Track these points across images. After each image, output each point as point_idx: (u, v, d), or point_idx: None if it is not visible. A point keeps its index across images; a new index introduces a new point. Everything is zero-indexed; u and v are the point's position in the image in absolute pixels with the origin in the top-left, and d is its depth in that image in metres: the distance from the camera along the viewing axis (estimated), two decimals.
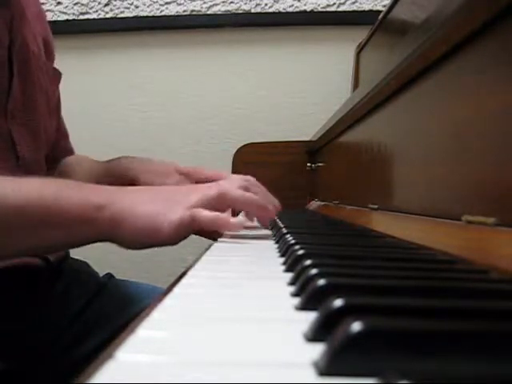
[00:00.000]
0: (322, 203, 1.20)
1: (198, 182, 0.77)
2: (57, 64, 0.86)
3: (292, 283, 0.33)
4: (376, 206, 0.71)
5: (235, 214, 0.90)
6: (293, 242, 0.46)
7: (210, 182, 0.72)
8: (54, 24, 0.87)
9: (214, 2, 1.56)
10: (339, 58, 1.52)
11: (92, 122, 1.56)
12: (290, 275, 0.35)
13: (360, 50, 1.38)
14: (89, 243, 0.55)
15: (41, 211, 0.51)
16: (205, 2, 1.56)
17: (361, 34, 1.37)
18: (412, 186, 0.58)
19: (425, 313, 0.22)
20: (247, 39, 1.57)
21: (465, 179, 0.44)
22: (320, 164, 1.29)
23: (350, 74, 1.42)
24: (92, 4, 1.57)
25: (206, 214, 0.54)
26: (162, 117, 1.59)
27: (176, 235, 0.53)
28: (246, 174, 0.72)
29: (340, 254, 0.42)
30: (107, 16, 1.57)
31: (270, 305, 0.29)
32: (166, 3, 1.56)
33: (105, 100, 1.60)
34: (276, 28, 1.56)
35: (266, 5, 1.54)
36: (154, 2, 1.56)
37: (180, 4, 1.56)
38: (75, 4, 1.58)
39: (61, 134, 0.90)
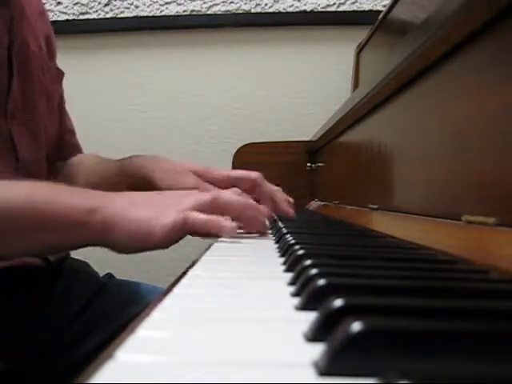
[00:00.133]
0: (322, 203, 1.20)
1: (208, 182, 0.76)
2: (57, 64, 0.86)
3: (292, 283, 0.33)
4: (376, 206, 0.71)
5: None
6: (293, 241, 0.46)
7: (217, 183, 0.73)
8: (54, 24, 0.87)
9: (213, 2, 1.56)
10: (339, 58, 1.52)
11: (92, 121, 1.56)
12: (290, 275, 0.35)
13: (360, 49, 1.38)
14: (80, 247, 0.55)
15: (32, 214, 0.51)
16: (205, 2, 1.56)
17: (361, 34, 1.37)
18: (412, 186, 0.58)
19: (425, 313, 0.22)
20: (247, 39, 1.57)
21: (465, 179, 0.44)
22: (320, 164, 1.29)
23: (350, 74, 1.42)
24: (92, 4, 1.57)
25: (199, 216, 0.53)
26: (162, 117, 1.59)
27: (168, 239, 0.52)
28: None
29: (340, 253, 0.42)
30: (107, 16, 1.57)
31: (270, 305, 0.29)
32: (166, 3, 1.56)
33: (105, 100, 1.60)
34: (276, 28, 1.56)
35: (266, 5, 1.54)
36: (154, 2, 1.56)
37: (180, 4, 1.56)
38: (75, 4, 1.58)
39: (65, 129, 0.89)
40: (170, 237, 0.52)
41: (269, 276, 0.38)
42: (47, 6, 1.53)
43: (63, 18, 1.57)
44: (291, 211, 0.68)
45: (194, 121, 1.59)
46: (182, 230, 0.52)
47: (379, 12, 1.17)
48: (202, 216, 0.53)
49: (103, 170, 0.85)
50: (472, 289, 0.28)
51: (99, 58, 1.60)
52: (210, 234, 0.54)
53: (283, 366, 0.19)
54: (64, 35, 1.48)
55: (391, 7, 1.05)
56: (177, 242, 0.54)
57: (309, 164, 1.38)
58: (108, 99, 1.60)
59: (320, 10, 1.54)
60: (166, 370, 0.18)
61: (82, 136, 0.94)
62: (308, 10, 1.54)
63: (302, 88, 1.57)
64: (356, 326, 0.18)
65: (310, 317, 0.23)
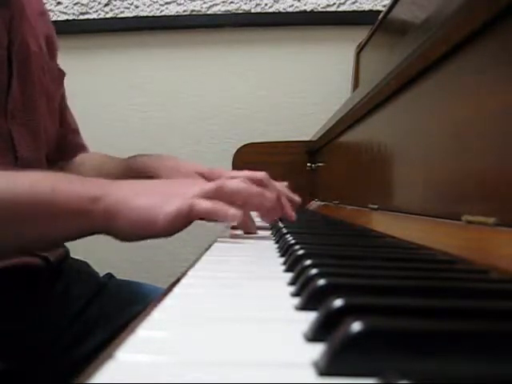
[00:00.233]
0: (322, 203, 1.20)
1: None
2: (58, 64, 0.86)
3: (292, 283, 0.33)
4: (376, 206, 0.71)
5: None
6: (293, 241, 0.46)
7: None
8: (54, 24, 0.87)
9: (213, 2, 1.56)
10: (339, 58, 1.52)
11: (92, 121, 1.56)
12: (290, 275, 0.35)
13: (360, 49, 1.38)
14: (84, 236, 0.55)
15: (36, 203, 0.51)
16: (205, 2, 1.56)
17: (361, 34, 1.37)
18: (412, 186, 0.58)
19: (425, 313, 0.22)
20: (247, 39, 1.57)
21: (465, 179, 0.44)
22: (320, 164, 1.29)
23: (350, 74, 1.42)
24: (92, 4, 1.57)
25: (204, 204, 0.53)
26: (162, 117, 1.59)
27: (171, 227, 0.52)
28: None
29: (340, 253, 0.42)
30: (107, 16, 1.57)
31: (269, 305, 0.29)
32: (166, 3, 1.56)
33: (105, 100, 1.60)
34: (276, 28, 1.56)
35: (266, 5, 1.54)
36: (154, 2, 1.56)
37: (180, 4, 1.56)
38: (75, 4, 1.58)
39: (68, 129, 0.89)
40: (173, 225, 0.52)
41: (269, 276, 0.38)
42: (47, 6, 1.53)
43: (63, 17, 1.57)
44: (293, 215, 0.68)
45: (193, 121, 1.59)
46: (186, 218, 0.53)
47: (379, 12, 1.17)
48: (206, 203, 0.53)
49: (108, 169, 0.85)
50: (472, 289, 0.28)
51: (99, 58, 1.60)
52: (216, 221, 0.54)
53: (283, 365, 0.19)
54: (64, 35, 1.47)
55: (391, 7, 1.05)
56: (181, 230, 0.54)
57: (309, 164, 1.38)
58: (108, 99, 1.60)
59: (320, 10, 1.54)
60: (166, 370, 0.18)
61: (82, 136, 0.94)
62: (308, 10, 1.54)
63: (302, 88, 1.57)
64: (356, 326, 0.18)
65: (310, 317, 0.23)
